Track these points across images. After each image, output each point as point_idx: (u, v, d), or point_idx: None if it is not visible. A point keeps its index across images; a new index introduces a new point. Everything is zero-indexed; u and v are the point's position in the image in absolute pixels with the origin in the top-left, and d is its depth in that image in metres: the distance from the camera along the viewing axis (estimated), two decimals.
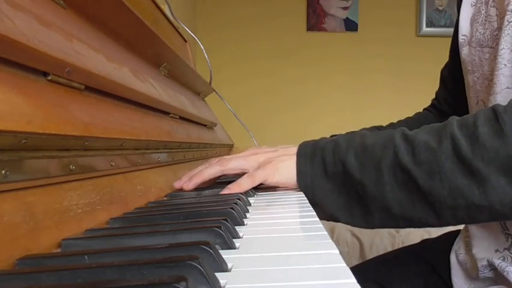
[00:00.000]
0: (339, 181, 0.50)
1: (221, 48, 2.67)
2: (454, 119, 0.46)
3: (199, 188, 0.60)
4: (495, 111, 0.43)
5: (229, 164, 0.58)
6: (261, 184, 0.57)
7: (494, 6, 0.57)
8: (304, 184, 0.52)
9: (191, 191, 0.58)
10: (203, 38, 1.47)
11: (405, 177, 0.45)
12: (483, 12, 0.59)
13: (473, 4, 0.62)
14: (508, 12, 0.54)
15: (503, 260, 0.58)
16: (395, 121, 0.85)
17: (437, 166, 0.44)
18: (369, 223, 0.49)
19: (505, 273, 0.57)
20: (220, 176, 0.60)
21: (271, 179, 0.55)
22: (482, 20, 0.59)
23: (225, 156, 0.61)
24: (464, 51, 0.64)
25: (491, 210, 0.43)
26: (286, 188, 0.65)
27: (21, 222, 0.29)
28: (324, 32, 2.83)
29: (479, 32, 0.60)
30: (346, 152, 0.50)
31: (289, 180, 0.54)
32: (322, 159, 0.51)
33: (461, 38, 0.64)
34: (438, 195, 0.44)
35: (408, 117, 0.86)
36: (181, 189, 0.59)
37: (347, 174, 0.49)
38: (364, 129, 0.73)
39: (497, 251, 0.59)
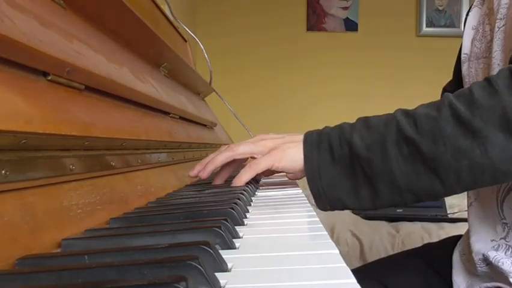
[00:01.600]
0: (346, 163, 0.52)
1: (221, 48, 2.67)
2: (448, 94, 0.49)
3: (199, 188, 0.61)
4: (487, 79, 0.47)
5: (239, 149, 0.61)
6: (266, 171, 0.60)
7: (488, 24, 0.65)
8: (312, 170, 0.53)
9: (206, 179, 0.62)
10: (203, 39, 1.47)
11: (409, 148, 0.48)
12: (480, 30, 0.66)
13: (474, 27, 0.69)
14: (497, 21, 0.59)
15: (498, 248, 0.60)
16: None
17: (439, 132, 0.46)
18: (376, 203, 0.51)
19: (499, 264, 0.59)
20: (231, 162, 0.63)
21: (278, 164, 0.57)
22: (479, 37, 0.66)
23: (235, 143, 0.64)
24: (465, 67, 0.69)
25: (492, 169, 0.45)
26: (286, 185, 0.66)
27: (21, 222, 0.29)
28: (324, 32, 2.83)
29: (477, 47, 0.66)
30: (351, 133, 0.52)
31: (295, 165, 0.55)
32: (328, 143, 0.53)
33: (463, 56, 0.70)
34: (442, 159, 0.46)
35: None
36: (196, 177, 0.63)
37: (353, 155, 0.51)
38: None
39: (493, 240, 0.62)
